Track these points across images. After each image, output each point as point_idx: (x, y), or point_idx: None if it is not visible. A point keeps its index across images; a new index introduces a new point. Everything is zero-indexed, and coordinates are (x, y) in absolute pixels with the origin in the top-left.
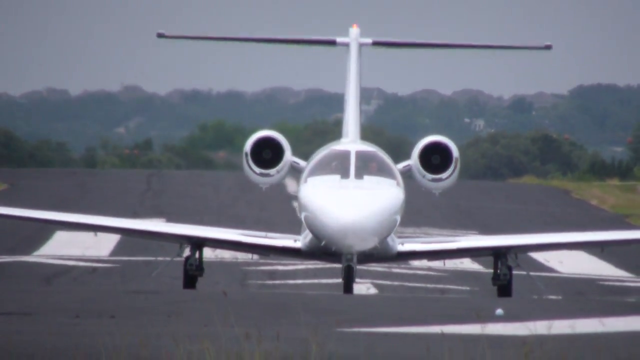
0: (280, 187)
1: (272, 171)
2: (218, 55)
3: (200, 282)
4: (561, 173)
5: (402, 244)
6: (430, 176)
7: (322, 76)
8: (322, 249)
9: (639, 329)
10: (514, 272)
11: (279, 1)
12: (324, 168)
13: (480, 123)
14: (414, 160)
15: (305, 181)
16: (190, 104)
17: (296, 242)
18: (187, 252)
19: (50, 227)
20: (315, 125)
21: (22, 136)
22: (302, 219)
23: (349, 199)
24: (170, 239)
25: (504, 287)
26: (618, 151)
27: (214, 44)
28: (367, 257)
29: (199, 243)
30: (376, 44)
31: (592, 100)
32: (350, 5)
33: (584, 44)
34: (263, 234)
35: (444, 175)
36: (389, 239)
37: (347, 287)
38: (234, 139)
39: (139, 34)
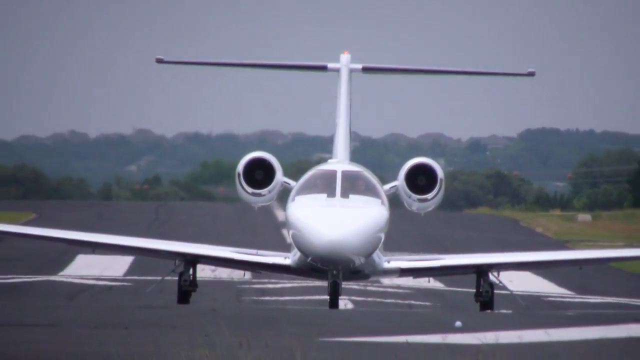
0: (272, 216)
1: (264, 191)
2: (218, 100)
3: (200, 298)
4: (511, 205)
5: (388, 261)
6: (416, 197)
7: (305, 121)
8: (310, 265)
9: (578, 338)
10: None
11: (272, 32)
12: (311, 187)
13: (441, 162)
14: (400, 182)
15: (293, 200)
16: (193, 145)
17: (286, 259)
18: (181, 268)
19: (72, 251)
20: (299, 164)
21: (48, 173)
22: (290, 237)
23: (334, 217)
24: (165, 255)
25: (486, 303)
26: (560, 186)
27: (214, 87)
28: (354, 274)
29: (192, 260)
30: (366, 69)
31: (537, 142)
32: (341, 36)
33: (531, 93)
34: (254, 251)
35: (429, 195)
36: (375, 257)
37: (333, 303)
38: (231, 175)
39: (149, 84)
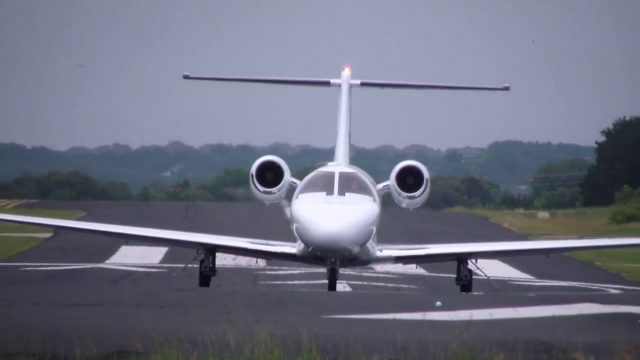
0: (283, 213)
1: (274, 189)
2: (237, 116)
3: (223, 282)
4: (482, 204)
5: (381, 250)
6: (405, 194)
7: (311, 135)
8: (312, 254)
9: (538, 315)
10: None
11: (280, 53)
12: (312, 186)
13: None
14: (391, 181)
15: (297, 197)
16: (217, 154)
17: (292, 248)
18: (202, 256)
19: (117, 242)
20: (305, 171)
21: (96, 178)
22: (294, 229)
23: (332, 212)
24: (189, 245)
25: (465, 286)
26: (523, 189)
27: (235, 105)
28: (350, 261)
29: (211, 249)
30: (364, 84)
31: (504, 152)
32: (341, 54)
33: (498, 111)
34: (265, 242)
35: (417, 193)
36: (369, 246)
37: (331, 286)
38: (249, 180)
39: (181, 103)
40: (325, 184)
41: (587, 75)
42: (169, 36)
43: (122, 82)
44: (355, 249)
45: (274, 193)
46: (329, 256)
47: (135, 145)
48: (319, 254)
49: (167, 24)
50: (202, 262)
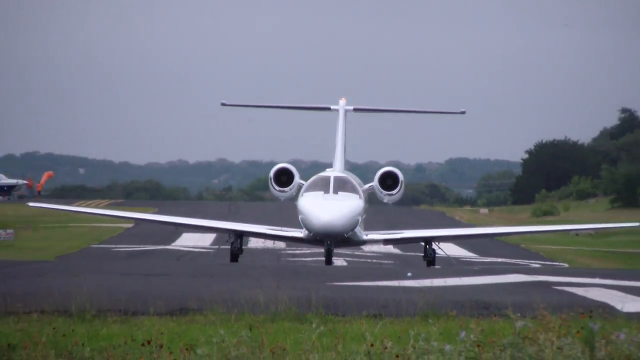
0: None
1: (287, 189)
2: (267, 139)
3: (255, 259)
4: (440, 203)
5: (367, 235)
6: (385, 192)
7: (319, 153)
8: (313, 237)
9: (480, 282)
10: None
11: (294, 86)
12: (314, 187)
13: None
14: (375, 183)
15: (302, 195)
16: (251, 168)
17: (300, 233)
18: (232, 239)
19: (179, 230)
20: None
21: (165, 185)
22: (300, 219)
23: (327, 206)
24: (223, 231)
25: (430, 262)
26: (469, 192)
27: (265, 131)
28: (344, 242)
29: (240, 234)
30: (356, 110)
31: (456, 165)
32: (338, 87)
33: (452, 135)
34: (280, 228)
35: (394, 192)
36: (358, 232)
37: (328, 261)
38: (268, 182)
39: (225, 128)
40: (323, 185)
41: (515, 108)
42: (217, 78)
43: (183, 113)
44: (346, 234)
45: (287, 192)
46: (325, 239)
47: (192, 160)
48: (318, 237)
49: (216, 74)
50: (232, 243)
